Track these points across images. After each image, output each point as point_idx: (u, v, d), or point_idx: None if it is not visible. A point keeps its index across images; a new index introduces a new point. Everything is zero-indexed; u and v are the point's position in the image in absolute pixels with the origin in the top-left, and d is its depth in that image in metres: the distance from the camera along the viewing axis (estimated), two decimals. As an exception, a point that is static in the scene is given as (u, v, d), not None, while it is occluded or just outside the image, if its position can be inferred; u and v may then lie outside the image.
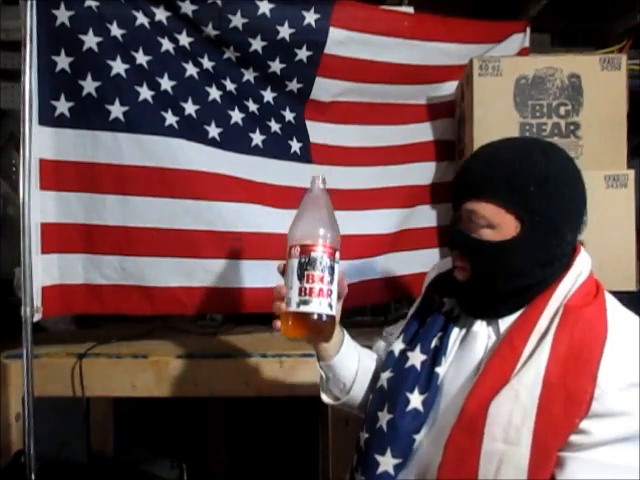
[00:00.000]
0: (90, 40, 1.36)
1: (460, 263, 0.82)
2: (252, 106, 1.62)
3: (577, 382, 0.71)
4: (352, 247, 1.64)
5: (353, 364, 0.93)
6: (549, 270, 0.78)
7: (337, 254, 0.82)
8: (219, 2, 1.46)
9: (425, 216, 1.81)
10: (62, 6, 1.34)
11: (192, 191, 1.46)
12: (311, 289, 0.78)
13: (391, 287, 1.76)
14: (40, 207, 1.35)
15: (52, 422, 1.48)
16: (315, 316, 0.78)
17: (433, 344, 0.86)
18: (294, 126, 1.68)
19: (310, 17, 1.54)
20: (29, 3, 1.29)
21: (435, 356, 0.84)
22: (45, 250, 1.36)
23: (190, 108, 1.50)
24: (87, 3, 1.36)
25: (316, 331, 0.80)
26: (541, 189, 0.74)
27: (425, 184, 1.81)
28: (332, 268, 0.80)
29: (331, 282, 0.79)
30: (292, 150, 1.67)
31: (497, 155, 0.79)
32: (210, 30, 1.49)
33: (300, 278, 0.78)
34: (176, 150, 1.45)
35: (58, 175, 1.38)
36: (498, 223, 0.76)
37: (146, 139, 1.42)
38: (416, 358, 0.85)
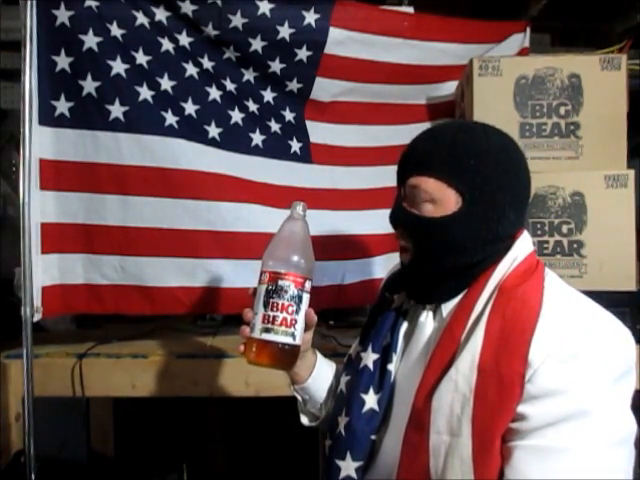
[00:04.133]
0: (90, 40, 1.36)
1: (403, 242, 0.81)
2: (252, 106, 1.62)
3: (508, 365, 0.67)
4: (353, 247, 1.64)
5: (327, 384, 0.94)
6: (490, 249, 0.76)
7: (307, 283, 0.80)
8: (219, 2, 1.46)
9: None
10: (62, 6, 1.34)
11: (192, 191, 1.46)
12: (274, 317, 0.77)
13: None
14: (40, 207, 1.35)
15: (52, 422, 1.48)
16: (276, 345, 0.78)
17: (384, 342, 0.84)
18: (294, 126, 1.68)
19: (310, 17, 1.54)
20: (29, 3, 1.29)
21: (386, 354, 0.83)
22: (45, 250, 1.36)
23: (190, 108, 1.50)
24: (87, 3, 1.36)
25: (277, 360, 0.79)
26: (482, 163, 0.74)
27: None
28: (299, 298, 0.79)
29: (297, 312, 0.78)
30: (292, 150, 1.67)
31: (439, 132, 0.79)
32: (210, 30, 1.49)
33: (265, 305, 0.78)
34: (176, 150, 1.45)
35: (58, 175, 1.38)
36: (439, 198, 0.75)
37: (146, 139, 1.42)
38: (368, 358, 0.84)
